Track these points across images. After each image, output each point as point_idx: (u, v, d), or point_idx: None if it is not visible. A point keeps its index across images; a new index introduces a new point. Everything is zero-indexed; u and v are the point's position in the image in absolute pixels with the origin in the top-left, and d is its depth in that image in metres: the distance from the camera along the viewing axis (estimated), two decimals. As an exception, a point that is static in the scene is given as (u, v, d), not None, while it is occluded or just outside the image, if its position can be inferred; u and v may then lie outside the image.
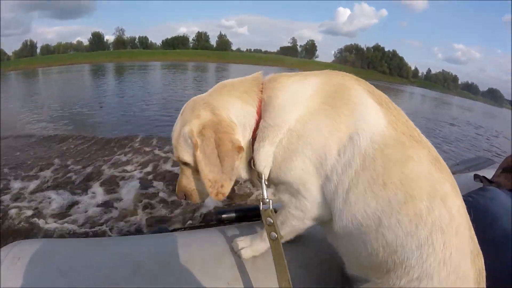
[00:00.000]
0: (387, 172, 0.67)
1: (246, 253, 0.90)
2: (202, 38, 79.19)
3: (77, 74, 25.61)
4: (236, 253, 0.91)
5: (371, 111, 0.71)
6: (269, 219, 0.76)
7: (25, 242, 0.94)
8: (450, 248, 0.64)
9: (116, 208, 2.78)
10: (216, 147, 0.71)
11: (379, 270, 0.69)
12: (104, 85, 17.68)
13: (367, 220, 0.68)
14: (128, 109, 9.26)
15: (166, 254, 0.91)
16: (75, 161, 4.11)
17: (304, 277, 0.88)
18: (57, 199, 3.00)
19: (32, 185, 3.34)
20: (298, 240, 0.90)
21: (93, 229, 2.50)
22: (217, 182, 0.73)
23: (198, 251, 0.92)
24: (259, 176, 0.76)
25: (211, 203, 2.85)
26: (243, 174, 0.82)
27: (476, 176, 1.26)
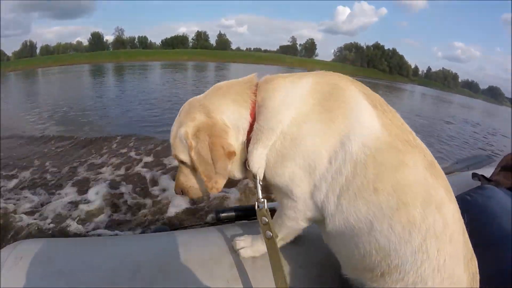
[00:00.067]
0: (379, 178, 0.66)
1: (246, 253, 0.90)
2: (201, 37, 79.21)
3: (75, 74, 25.55)
4: (235, 252, 0.91)
5: (364, 115, 0.70)
6: (264, 218, 0.77)
7: (27, 241, 0.95)
8: (444, 255, 0.64)
9: (83, 209, 2.91)
10: (210, 150, 0.73)
11: (373, 273, 0.70)
12: (98, 85, 17.69)
13: (359, 223, 0.68)
14: (116, 109, 9.27)
15: (166, 253, 0.91)
16: (53, 162, 4.24)
17: (303, 277, 0.88)
18: (31, 198, 3.16)
19: (11, 184, 3.54)
20: (298, 240, 0.90)
21: (60, 225, 2.66)
22: (211, 179, 0.76)
23: (198, 250, 0.92)
24: (254, 176, 0.77)
25: (183, 204, 2.95)
26: (238, 174, 0.83)
27: (474, 175, 1.26)
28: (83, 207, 2.94)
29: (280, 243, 0.85)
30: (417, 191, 0.66)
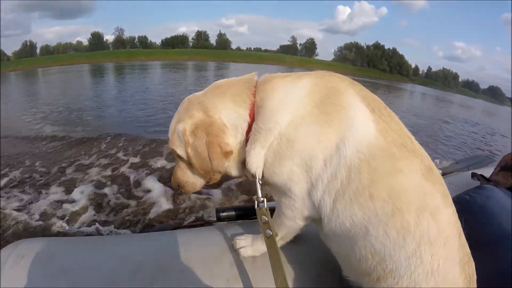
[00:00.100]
0: (374, 184, 0.66)
1: (246, 252, 0.91)
2: (201, 37, 79.20)
3: (74, 74, 25.42)
4: (236, 251, 0.92)
5: (360, 119, 0.70)
6: (264, 217, 0.78)
7: (28, 240, 0.96)
8: (438, 260, 0.64)
9: (67, 208, 2.99)
10: (207, 148, 0.75)
11: (369, 277, 0.70)
12: (96, 85, 17.62)
13: (355, 228, 0.69)
14: (110, 108, 9.24)
15: (166, 252, 0.92)
16: (43, 162, 4.32)
17: (303, 276, 0.89)
18: (20, 196, 3.27)
19: (2, 182, 3.64)
20: (298, 240, 0.91)
21: (46, 223, 2.76)
22: (209, 172, 0.79)
23: (198, 249, 0.93)
24: (253, 176, 0.78)
25: (165, 205, 3.01)
26: (234, 172, 0.84)
27: (473, 175, 1.26)
28: (68, 207, 2.99)
29: (280, 242, 0.86)
30: (411, 198, 0.66)
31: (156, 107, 9.02)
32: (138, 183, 3.50)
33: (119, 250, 0.94)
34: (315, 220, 0.79)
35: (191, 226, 1.24)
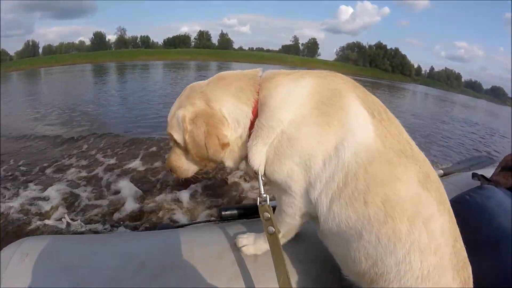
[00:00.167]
0: (370, 191, 0.67)
1: (248, 251, 0.91)
2: (203, 37, 79.33)
3: (75, 74, 25.53)
4: (238, 250, 0.92)
5: (360, 123, 0.70)
6: (266, 213, 0.78)
7: (33, 238, 0.97)
8: (428, 266, 0.66)
9: (42, 206, 3.10)
10: (204, 137, 0.76)
11: (364, 278, 0.72)
12: (95, 85, 17.66)
13: (350, 230, 0.70)
14: (103, 108, 9.25)
15: (169, 250, 0.93)
16: (26, 161, 4.44)
17: (303, 274, 0.89)
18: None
19: None
20: (298, 238, 0.92)
21: (23, 220, 2.88)
22: (204, 160, 0.81)
23: (201, 247, 0.94)
24: (255, 172, 0.78)
25: (135, 205, 3.10)
26: (230, 164, 0.84)
27: (474, 175, 1.26)
28: (43, 204, 3.11)
29: (282, 240, 0.86)
30: (405, 206, 0.66)
31: (148, 108, 9.05)
32: (109, 185, 3.59)
33: (123, 248, 0.95)
34: (314, 218, 0.80)
35: (193, 224, 1.24)
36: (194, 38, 79.54)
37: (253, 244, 0.91)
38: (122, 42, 72.49)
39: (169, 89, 13.65)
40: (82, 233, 2.69)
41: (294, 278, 0.87)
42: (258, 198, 0.80)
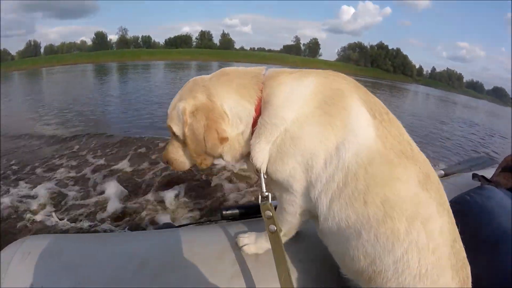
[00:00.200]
0: (369, 191, 0.68)
1: (249, 250, 0.92)
2: (205, 37, 79.38)
3: (75, 74, 25.69)
4: (239, 249, 0.93)
5: (362, 124, 0.71)
6: (268, 212, 0.78)
7: (35, 237, 0.97)
8: (426, 265, 0.66)
9: (31, 203, 3.20)
10: (204, 130, 0.76)
11: (362, 276, 0.73)
12: (94, 85, 17.82)
13: (349, 229, 0.70)
14: (98, 108, 9.25)
15: (171, 249, 0.93)
16: (17, 160, 4.55)
17: (303, 273, 0.90)
18: None
19: None
20: (298, 238, 0.92)
21: (10, 218, 2.98)
22: (201, 155, 0.81)
23: (202, 247, 0.94)
24: (257, 170, 0.79)
25: (119, 206, 3.15)
26: (229, 159, 0.84)
27: (474, 175, 1.26)
28: (31, 202, 3.21)
29: (283, 239, 0.86)
30: (404, 207, 0.67)
31: (143, 108, 9.08)
32: (96, 185, 3.66)
33: (124, 247, 0.96)
34: (314, 217, 0.80)
35: (195, 224, 1.25)
36: (196, 38, 79.80)
37: (254, 243, 0.92)
38: (124, 42, 72.67)
39: (167, 89, 13.68)
40: (67, 230, 2.76)
41: (294, 277, 0.87)
42: (260, 196, 0.80)
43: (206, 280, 0.83)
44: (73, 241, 0.99)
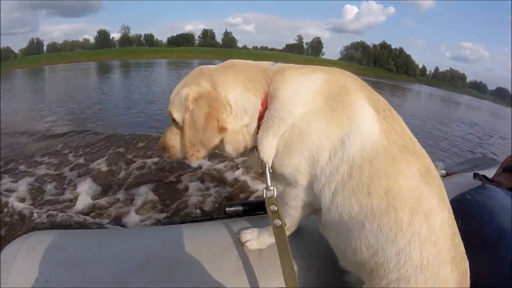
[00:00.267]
0: (373, 182, 0.69)
1: (252, 245, 0.93)
2: (208, 35, 79.16)
3: (77, 72, 25.62)
4: (242, 245, 0.94)
5: (367, 120, 0.72)
6: (273, 206, 0.79)
7: (39, 233, 0.99)
8: (428, 257, 0.67)
9: (11, 197, 3.36)
10: (204, 119, 0.76)
11: (364, 268, 0.74)
12: (93, 84, 17.63)
13: (352, 220, 0.71)
14: (94, 106, 9.16)
15: (174, 245, 0.94)
16: (4, 156, 4.68)
17: (304, 269, 0.91)
18: None
19: None
20: (299, 233, 0.94)
21: None
22: (195, 146, 0.79)
23: (205, 243, 0.95)
24: (262, 164, 0.79)
25: (89, 203, 3.26)
26: (230, 150, 0.84)
27: (475, 175, 1.27)
28: (12, 196, 3.38)
29: (286, 233, 0.87)
30: (407, 198, 0.68)
31: (134, 106, 9.11)
32: (71, 182, 3.79)
33: (128, 243, 0.97)
34: (316, 211, 0.81)
35: (198, 220, 1.26)
36: (198, 37, 79.48)
37: (256, 239, 0.93)
38: (126, 40, 72.56)
39: (165, 87, 13.73)
40: (42, 224, 2.89)
41: (297, 270, 0.88)
42: (265, 190, 0.80)
43: (210, 276, 0.84)
44: (77, 237, 1.01)
